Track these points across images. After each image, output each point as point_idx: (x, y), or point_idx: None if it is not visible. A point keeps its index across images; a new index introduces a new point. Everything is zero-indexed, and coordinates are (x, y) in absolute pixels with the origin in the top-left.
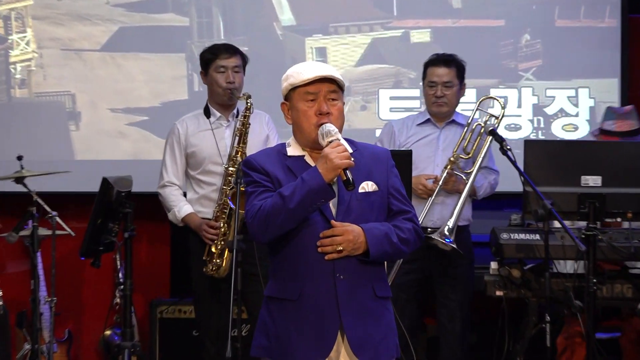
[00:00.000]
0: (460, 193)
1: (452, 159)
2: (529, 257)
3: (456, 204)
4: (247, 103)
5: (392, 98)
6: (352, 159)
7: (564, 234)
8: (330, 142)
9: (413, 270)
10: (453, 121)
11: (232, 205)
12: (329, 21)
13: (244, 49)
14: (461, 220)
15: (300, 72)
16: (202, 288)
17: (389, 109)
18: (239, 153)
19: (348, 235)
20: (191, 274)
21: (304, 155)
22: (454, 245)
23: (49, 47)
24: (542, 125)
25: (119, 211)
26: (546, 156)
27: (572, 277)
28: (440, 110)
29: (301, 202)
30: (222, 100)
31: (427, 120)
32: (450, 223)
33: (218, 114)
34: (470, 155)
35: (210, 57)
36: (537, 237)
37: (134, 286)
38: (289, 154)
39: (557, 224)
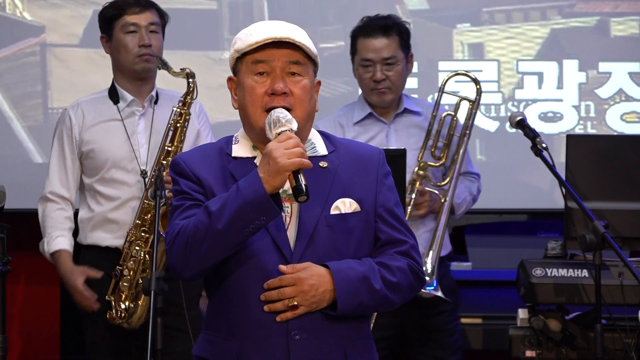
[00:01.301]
0: (437, 215)
1: (419, 171)
2: (573, 303)
3: (434, 234)
4: (188, 85)
5: None
6: (317, 162)
7: (623, 269)
8: (279, 134)
9: (382, 326)
10: (405, 110)
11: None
12: (481, 4)
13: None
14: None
15: (249, 33)
16: (98, 345)
17: None
18: (172, 154)
19: (302, 286)
20: (83, 323)
21: (254, 157)
22: (439, 293)
23: None
24: (592, 113)
25: None
26: (598, 158)
27: (634, 332)
28: (382, 100)
29: (232, 220)
30: (135, 73)
31: (369, 115)
32: (429, 262)
33: (129, 97)
34: (442, 161)
35: (114, 14)
36: (585, 273)
37: (9, 344)
38: (233, 154)
39: (613, 255)
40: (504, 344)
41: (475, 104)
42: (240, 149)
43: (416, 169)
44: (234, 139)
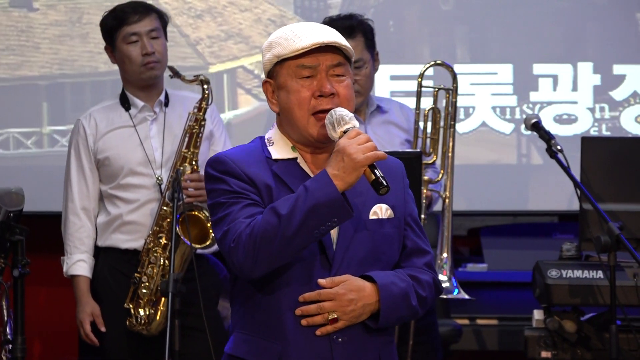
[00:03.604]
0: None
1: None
2: (588, 304)
3: (443, 235)
4: (203, 91)
5: None
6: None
7: (637, 271)
8: (345, 131)
9: None
10: (378, 108)
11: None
12: (496, 7)
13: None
14: None
15: (289, 38)
16: (118, 352)
17: None
18: (188, 160)
19: (341, 301)
20: (100, 329)
21: (295, 158)
22: (461, 294)
23: None
24: (606, 115)
25: (5, 239)
26: (613, 160)
27: None
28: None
29: (303, 222)
30: (142, 81)
31: None
32: (447, 265)
33: (140, 104)
34: (435, 157)
35: (114, 25)
36: (600, 274)
37: (28, 346)
38: (274, 156)
39: (628, 257)
40: (519, 345)
41: (454, 92)
42: (279, 151)
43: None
44: (267, 141)
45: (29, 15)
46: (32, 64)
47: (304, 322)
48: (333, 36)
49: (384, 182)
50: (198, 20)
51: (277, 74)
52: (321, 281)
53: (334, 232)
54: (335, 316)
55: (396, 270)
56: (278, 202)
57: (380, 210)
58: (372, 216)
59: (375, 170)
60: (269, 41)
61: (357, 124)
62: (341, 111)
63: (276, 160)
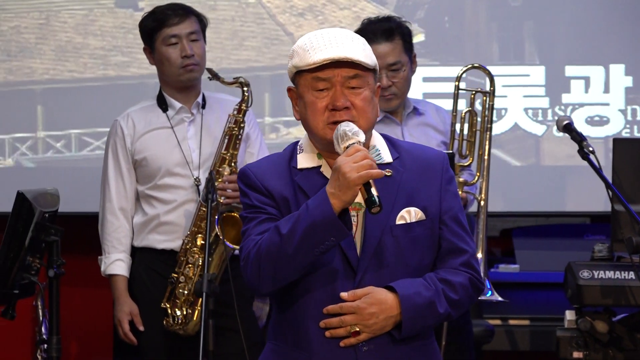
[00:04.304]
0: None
1: (456, 177)
2: (620, 305)
3: (477, 236)
4: (243, 93)
5: None
6: (383, 170)
7: None
8: (347, 147)
9: None
10: (414, 110)
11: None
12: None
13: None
14: None
15: (306, 49)
16: (155, 351)
17: None
18: (227, 161)
19: (362, 315)
20: (138, 329)
21: (319, 166)
22: (495, 297)
23: None
24: (638, 117)
25: (41, 240)
26: None
27: None
28: (389, 106)
29: (302, 241)
30: (180, 83)
31: (384, 118)
32: (481, 268)
33: (178, 105)
34: (471, 159)
35: (154, 26)
36: (632, 275)
37: (63, 346)
38: (299, 166)
39: None
40: (551, 346)
41: (491, 95)
42: (305, 159)
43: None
44: (298, 147)
45: (134, 15)
46: (139, 63)
47: (327, 333)
48: (346, 50)
49: (377, 202)
50: (300, 18)
51: (297, 83)
52: (343, 295)
53: (358, 240)
54: (357, 329)
55: (426, 275)
56: (282, 220)
57: (409, 214)
58: (399, 221)
59: (371, 189)
60: (292, 49)
61: (361, 138)
62: (345, 126)
63: (301, 170)
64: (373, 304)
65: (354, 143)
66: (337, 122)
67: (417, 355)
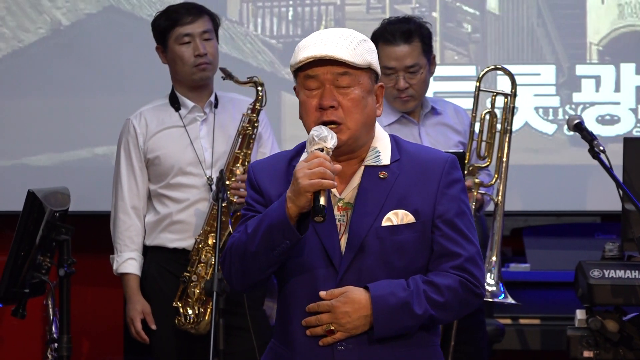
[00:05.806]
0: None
1: (472, 177)
2: (630, 304)
3: (492, 238)
4: (257, 93)
5: None
6: (378, 172)
7: None
8: (313, 152)
9: None
10: (432, 110)
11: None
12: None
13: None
14: None
15: (299, 49)
16: (166, 350)
17: None
18: (240, 160)
19: (336, 313)
20: (150, 327)
21: None
22: (508, 300)
23: None
24: None
25: (51, 239)
26: None
27: None
28: (406, 107)
29: (261, 242)
30: (193, 82)
31: (400, 118)
32: (494, 269)
33: (191, 104)
34: (489, 160)
35: (167, 25)
36: None
37: (73, 344)
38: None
39: None
40: (562, 345)
41: (512, 97)
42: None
43: (465, 172)
44: (305, 146)
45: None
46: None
47: (308, 332)
48: (328, 49)
49: (320, 212)
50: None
51: (296, 82)
52: (322, 293)
53: (342, 241)
54: (332, 328)
55: (412, 277)
56: (253, 219)
57: (396, 216)
58: (385, 223)
59: (320, 197)
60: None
61: (329, 144)
62: (314, 131)
63: None
64: (347, 303)
65: (319, 149)
66: (325, 122)
67: (410, 357)
